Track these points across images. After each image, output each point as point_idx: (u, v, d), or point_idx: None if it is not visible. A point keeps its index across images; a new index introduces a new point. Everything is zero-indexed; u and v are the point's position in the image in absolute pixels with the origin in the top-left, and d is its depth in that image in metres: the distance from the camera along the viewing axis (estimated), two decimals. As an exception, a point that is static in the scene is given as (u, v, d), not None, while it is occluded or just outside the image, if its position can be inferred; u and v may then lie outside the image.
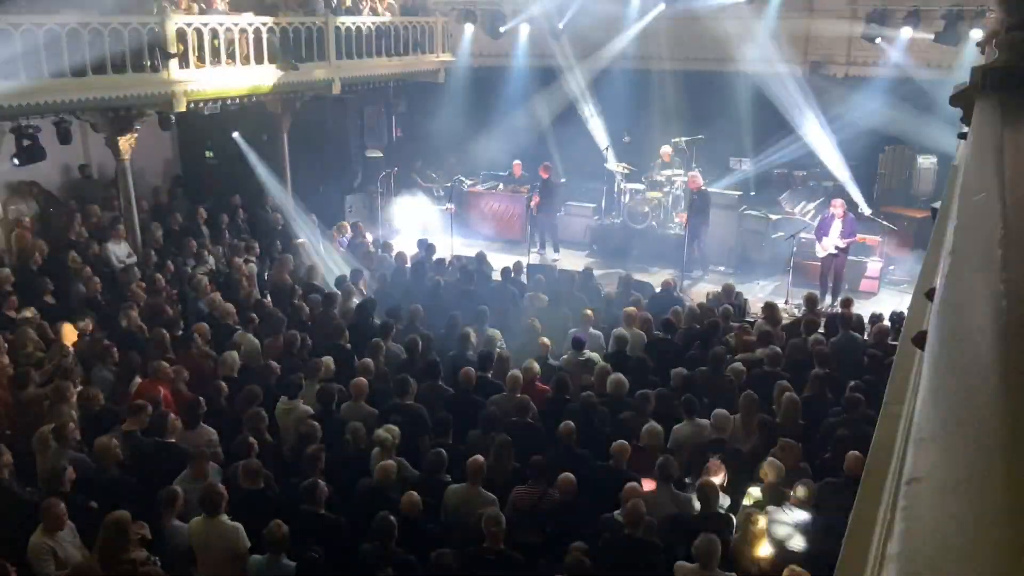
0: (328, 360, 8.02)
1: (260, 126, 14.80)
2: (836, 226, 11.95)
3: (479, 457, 6.14)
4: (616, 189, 15.50)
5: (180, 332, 8.99)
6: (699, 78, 15.62)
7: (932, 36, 13.58)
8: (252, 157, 14.26)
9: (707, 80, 15.52)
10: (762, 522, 5.49)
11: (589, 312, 9.57)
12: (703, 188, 13.72)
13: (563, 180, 15.87)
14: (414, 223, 15.24)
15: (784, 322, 9.99)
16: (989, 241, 1.15)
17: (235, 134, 14.47)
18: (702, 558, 5.10)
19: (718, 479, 6.14)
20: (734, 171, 15.47)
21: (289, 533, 5.31)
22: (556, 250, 14.91)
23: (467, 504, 5.97)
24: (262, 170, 14.16)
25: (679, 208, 14.75)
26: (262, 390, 7.36)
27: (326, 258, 12.57)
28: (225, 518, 5.56)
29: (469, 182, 16.53)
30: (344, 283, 10.65)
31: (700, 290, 12.55)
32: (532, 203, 14.88)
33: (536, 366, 8.03)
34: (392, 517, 5.37)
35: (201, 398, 7.18)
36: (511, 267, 11.37)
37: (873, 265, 13.08)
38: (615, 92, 15.74)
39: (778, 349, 8.56)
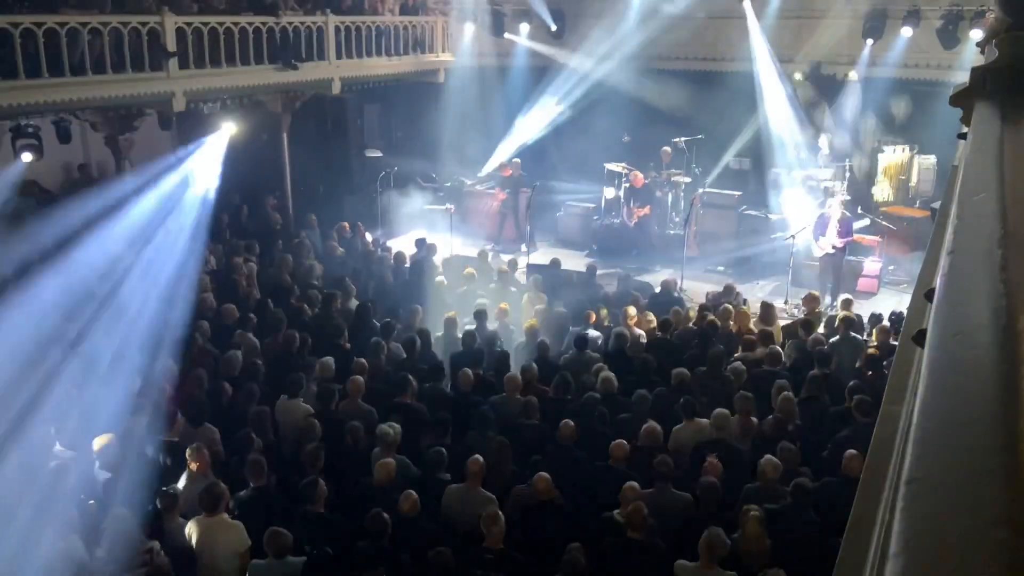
0: (328, 360, 8.02)
1: (260, 126, 14.79)
2: (833, 226, 11.97)
3: (478, 457, 6.14)
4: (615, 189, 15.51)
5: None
6: (701, 77, 15.63)
7: (932, 36, 13.58)
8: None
9: (708, 80, 15.52)
10: (759, 519, 5.49)
11: (592, 313, 9.57)
12: (647, 183, 14.55)
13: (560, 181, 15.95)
14: (414, 223, 15.24)
15: (784, 322, 10.00)
16: (989, 241, 1.15)
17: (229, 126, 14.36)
18: (704, 555, 5.11)
19: (716, 478, 6.15)
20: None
21: (292, 538, 5.31)
22: (528, 244, 14.81)
23: (466, 504, 5.97)
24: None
25: (679, 209, 14.80)
26: (261, 389, 7.36)
27: (325, 258, 12.56)
28: (226, 516, 5.56)
29: (468, 182, 16.53)
30: (344, 283, 10.65)
31: (699, 289, 12.55)
32: (499, 198, 15.18)
33: (535, 366, 8.03)
34: (385, 515, 5.36)
35: (205, 397, 7.18)
36: (508, 266, 11.37)
37: (872, 265, 13.09)
38: (615, 91, 15.73)
39: (778, 349, 8.56)
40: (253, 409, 7.04)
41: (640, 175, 14.61)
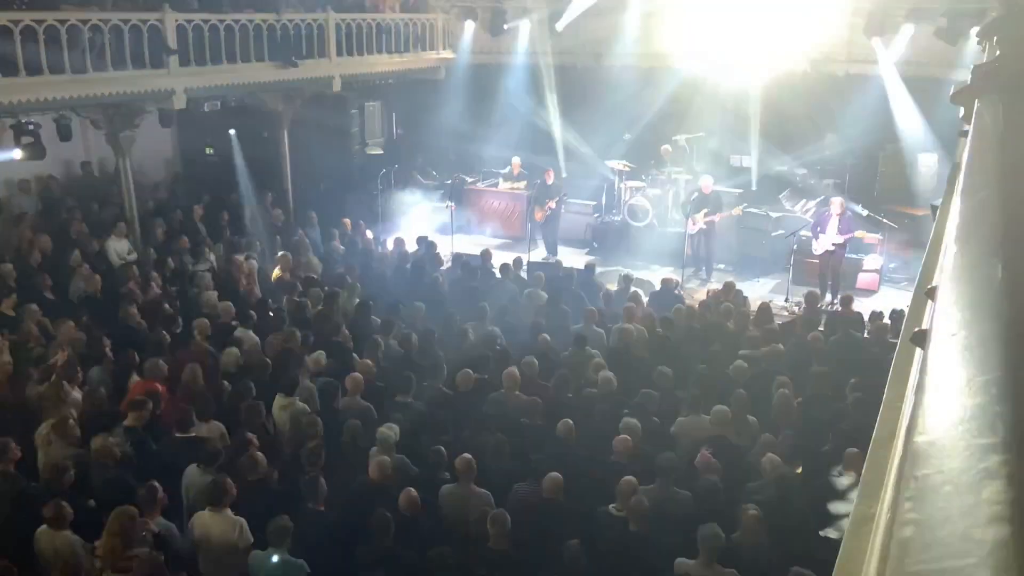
0: (319, 354, 8.01)
1: (260, 123, 14.79)
2: (833, 223, 11.97)
3: (467, 455, 6.11)
4: (616, 187, 15.49)
5: (179, 329, 8.97)
6: (700, 76, 15.58)
7: (932, 33, 13.56)
8: (239, 160, 14.29)
9: (708, 78, 15.48)
10: (758, 517, 5.50)
11: (593, 309, 9.56)
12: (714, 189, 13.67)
13: (564, 176, 15.88)
14: (414, 220, 15.22)
15: (784, 320, 10.00)
16: (990, 240, 1.15)
17: (231, 131, 14.46)
18: (704, 553, 5.11)
19: (712, 474, 6.16)
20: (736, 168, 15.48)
21: (292, 527, 5.30)
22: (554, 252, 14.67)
23: (462, 502, 5.97)
24: (243, 171, 14.23)
25: (679, 207, 14.75)
26: (261, 386, 7.36)
27: (326, 255, 12.55)
28: (229, 512, 5.56)
29: (470, 179, 16.51)
30: (345, 280, 10.64)
31: (700, 288, 12.54)
32: (550, 205, 14.47)
33: (536, 363, 8.01)
34: (389, 514, 5.36)
35: (206, 394, 7.18)
36: (511, 264, 11.35)
37: (873, 262, 13.07)
38: (615, 89, 15.71)
39: (779, 347, 8.56)
40: (249, 405, 7.02)
41: (711, 179, 13.51)
